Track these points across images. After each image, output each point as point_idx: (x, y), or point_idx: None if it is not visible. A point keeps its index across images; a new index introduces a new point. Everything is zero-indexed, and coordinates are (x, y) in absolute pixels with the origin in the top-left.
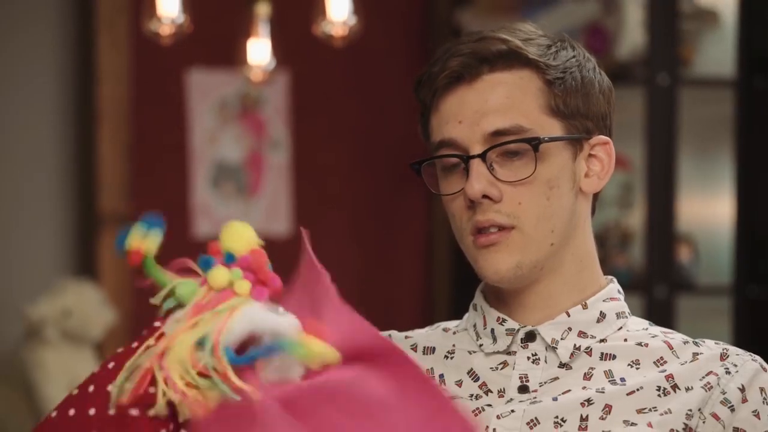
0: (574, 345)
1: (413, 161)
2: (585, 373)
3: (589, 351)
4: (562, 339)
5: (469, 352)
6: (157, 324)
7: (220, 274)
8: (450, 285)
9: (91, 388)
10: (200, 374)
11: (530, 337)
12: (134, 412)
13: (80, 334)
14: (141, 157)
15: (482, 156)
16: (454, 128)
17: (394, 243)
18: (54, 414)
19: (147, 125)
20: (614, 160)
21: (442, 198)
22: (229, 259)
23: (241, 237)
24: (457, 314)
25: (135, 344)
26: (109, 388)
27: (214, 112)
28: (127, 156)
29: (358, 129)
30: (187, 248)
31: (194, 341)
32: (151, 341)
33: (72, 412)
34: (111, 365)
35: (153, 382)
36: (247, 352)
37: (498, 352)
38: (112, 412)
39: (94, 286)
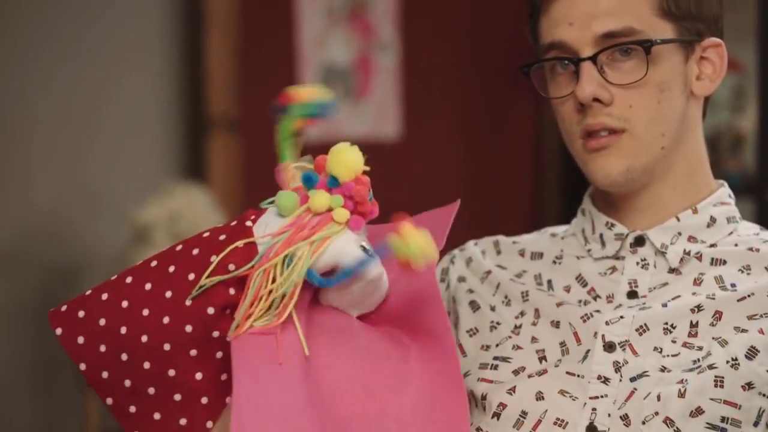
0: (684, 250)
1: (523, 64)
2: (695, 279)
3: (699, 256)
4: (671, 244)
5: (578, 257)
6: (248, 223)
7: (321, 199)
8: (559, 189)
9: (172, 269)
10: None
11: (639, 241)
12: (210, 310)
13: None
14: (249, 60)
15: (593, 58)
16: (564, 30)
17: (502, 146)
18: (129, 280)
19: (255, 28)
20: (726, 62)
21: (551, 101)
22: (333, 184)
23: (348, 163)
24: (566, 219)
25: (223, 237)
26: (191, 277)
27: (323, 14)
28: (236, 59)
29: (468, 30)
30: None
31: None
32: (239, 243)
33: (149, 286)
34: (196, 251)
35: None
36: (332, 276)
37: (607, 257)
38: (188, 303)
39: (202, 190)
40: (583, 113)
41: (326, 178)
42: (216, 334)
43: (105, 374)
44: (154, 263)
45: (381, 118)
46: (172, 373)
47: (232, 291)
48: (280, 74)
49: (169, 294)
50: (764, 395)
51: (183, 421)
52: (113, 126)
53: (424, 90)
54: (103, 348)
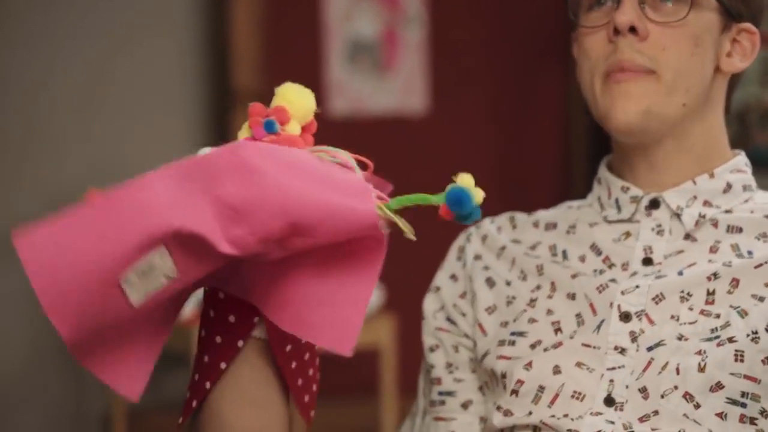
0: (699, 213)
1: None
2: (711, 246)
3: (714, 222)
4: (687, 207)
5: (590, 225)
6: None
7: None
8: (588, 163)
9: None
10: None
11: (654, 204)
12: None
13: None
14: (275, 34)
15: None
16: None
17: (530, 120)
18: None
19: (281, 1)
20: (757, 51)
21: (578, 36)
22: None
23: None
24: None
25: None
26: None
27: None
28: (261, 32)
29: (496, 4)
30: (322, 125)
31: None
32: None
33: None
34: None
35: None
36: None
37: (621, 221)
38: None
39: None
40: (613, 47)
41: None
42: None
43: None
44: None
45: (407, 92)
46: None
47: None
48: (305, 47)
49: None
50: None
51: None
52: (139, 101)
53: (451, 64)
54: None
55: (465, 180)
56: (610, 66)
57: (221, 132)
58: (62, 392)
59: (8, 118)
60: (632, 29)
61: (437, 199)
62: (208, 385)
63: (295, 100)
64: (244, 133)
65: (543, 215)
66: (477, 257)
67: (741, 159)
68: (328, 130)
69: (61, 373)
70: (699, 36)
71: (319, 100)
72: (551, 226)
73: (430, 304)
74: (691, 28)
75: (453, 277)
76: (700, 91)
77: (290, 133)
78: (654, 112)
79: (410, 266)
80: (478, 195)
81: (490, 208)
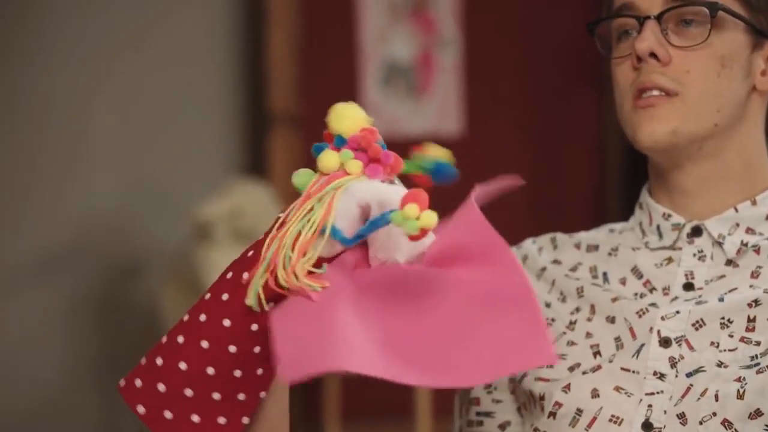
0: (741, 241)
1: (589, 21)
2: (752, 272)
3: (756, 249)
4: (729, 234)
5: (633, 249)
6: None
7: (328, 157)
8: (622, 187)
9: (230, 275)
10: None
11: (696, 232)
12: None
13: (250, 233)
14: (310, 56)
15: (658, 17)
16: None
17: (565, 143)
18: (186, 318)
19: (316, 24)
20: None
21: (611, 67)
22: (339, 142)
23: (348, 117)
24: (629, 218)
25: (250, 253)
26: (245, 276)
27: (384, 10)
28: (297, 54)
29: (530, 26)
30: None
31: (300, 228)
32: (273, 230)
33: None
34: (250, 253)
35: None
36: (356, 231)
37: (664, 248)
38: (248, 302)
39: (264, 186)
40: (638, 72)
41: (332, 142)
42: (254, 327)
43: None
44: (229, 274)
45: (442, 115)
46: (210, 371)
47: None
48: (341, 70)
49: (225, 297)
50: None
51: (222, 420)
52: (175, 122)
53: (486, 87)
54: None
55: (438, 152)
56: (635, 90)
57: (257, 155)
58: (99, 408)
59: (45, 137)
60: (653, 55)
61: (417, 167)
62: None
63: (357, 116)
64: (352, 166)
65: (584, 236)
66: None
67: None
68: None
69: (99, 388)
70: (726, 56)
71: None
72: (593, 248)
73: None
74: (716, 49)
75: None
76: (732, 109)
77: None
78: (681, 131)
79: None
80: (448, 157)
81: (523, 232)
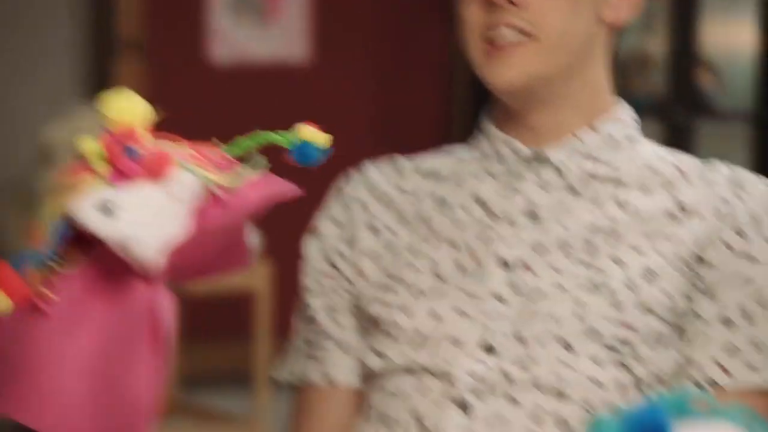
0: (581, 167)
1: None
2: (593, 199)
3: (596, 176)
4: (569, 161)
5: (475, 177)
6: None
7: (88, 146)
8: (469, 115)
9: None
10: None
11: (538, 158)
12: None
13: None
14: None
15: None
16: None
17: (413, 70)
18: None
19: None
20: (641, 2)
21: (458, 3)
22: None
23: (116, 111)
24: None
25: None
26: None
27: None
28: None
29: None
30: (204, 73)
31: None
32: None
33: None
34: None
35: None
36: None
37: (505, 176)
38: None
39: None
40: (490, 14)
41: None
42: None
43: None
44: None
45: (291, 42)
46: None
47: None
48: None
49: None
50: (661, 319)
51: None
52: (21, 47)
53: (335, 13)
54: None
55: (307, 133)
56: (487, 30)
57: (103, 79)
58: None
59: None
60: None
61: (283, 141)
62: None
63: (129, 108)
64: (101, 166)
65: (427, 162)
66: (358, 201)
67: (620, 108)
68: (210, 78)
69: None
70: None
71: (202, 48)
72: (435, 174)
73: (311, 247)
74: None
75: (334, 220)
76: (582, 45)
77: (154, 149)
78: (536, 74)
79: (286, 211)
80: (324, 141)
81: (368, 155)
